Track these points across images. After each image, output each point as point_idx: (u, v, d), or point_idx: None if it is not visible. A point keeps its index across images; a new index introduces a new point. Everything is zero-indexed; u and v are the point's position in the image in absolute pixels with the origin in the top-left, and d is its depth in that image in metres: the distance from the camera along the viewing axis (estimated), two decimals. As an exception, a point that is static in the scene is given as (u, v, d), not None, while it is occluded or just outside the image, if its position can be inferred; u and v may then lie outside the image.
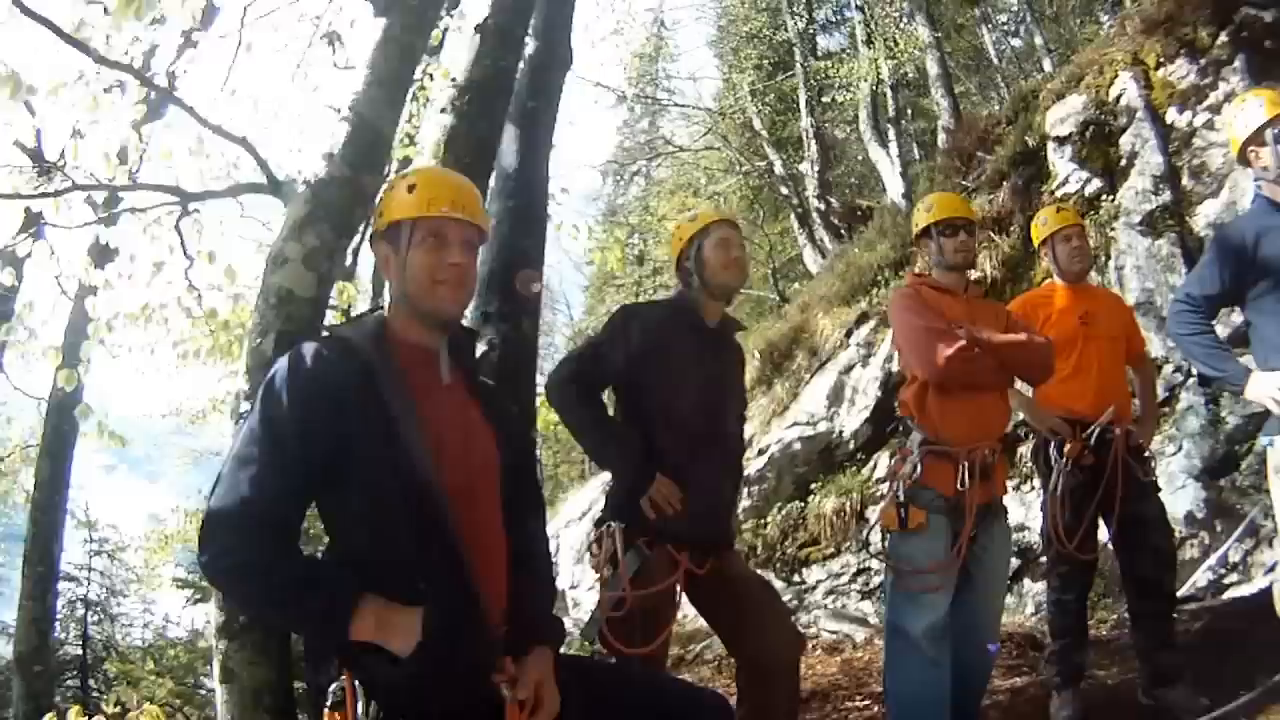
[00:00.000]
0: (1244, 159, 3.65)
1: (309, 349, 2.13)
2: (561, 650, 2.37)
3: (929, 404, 3.73)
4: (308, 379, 2.08)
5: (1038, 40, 19.96)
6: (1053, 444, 4.50)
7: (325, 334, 2.32)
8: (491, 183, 5.16)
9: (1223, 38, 8.33)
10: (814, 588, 9.06)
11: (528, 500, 2.53)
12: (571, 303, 41.29)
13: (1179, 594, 6.03)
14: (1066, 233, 4.73)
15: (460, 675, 2.05)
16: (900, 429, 4.38)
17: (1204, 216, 7.56)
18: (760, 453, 10.02)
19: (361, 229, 4.72)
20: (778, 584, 9.01)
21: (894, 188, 16.91)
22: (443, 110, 5.06)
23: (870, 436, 9.39)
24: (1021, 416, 5.08)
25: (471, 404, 2.38)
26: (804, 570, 9.28)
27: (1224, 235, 3.77)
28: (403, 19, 4.09)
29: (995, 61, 21.83)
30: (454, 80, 5.18)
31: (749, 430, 10.42)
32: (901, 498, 3.64)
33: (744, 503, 9.79)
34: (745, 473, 9.66)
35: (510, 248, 5.11)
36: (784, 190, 20.97)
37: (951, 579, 3.63)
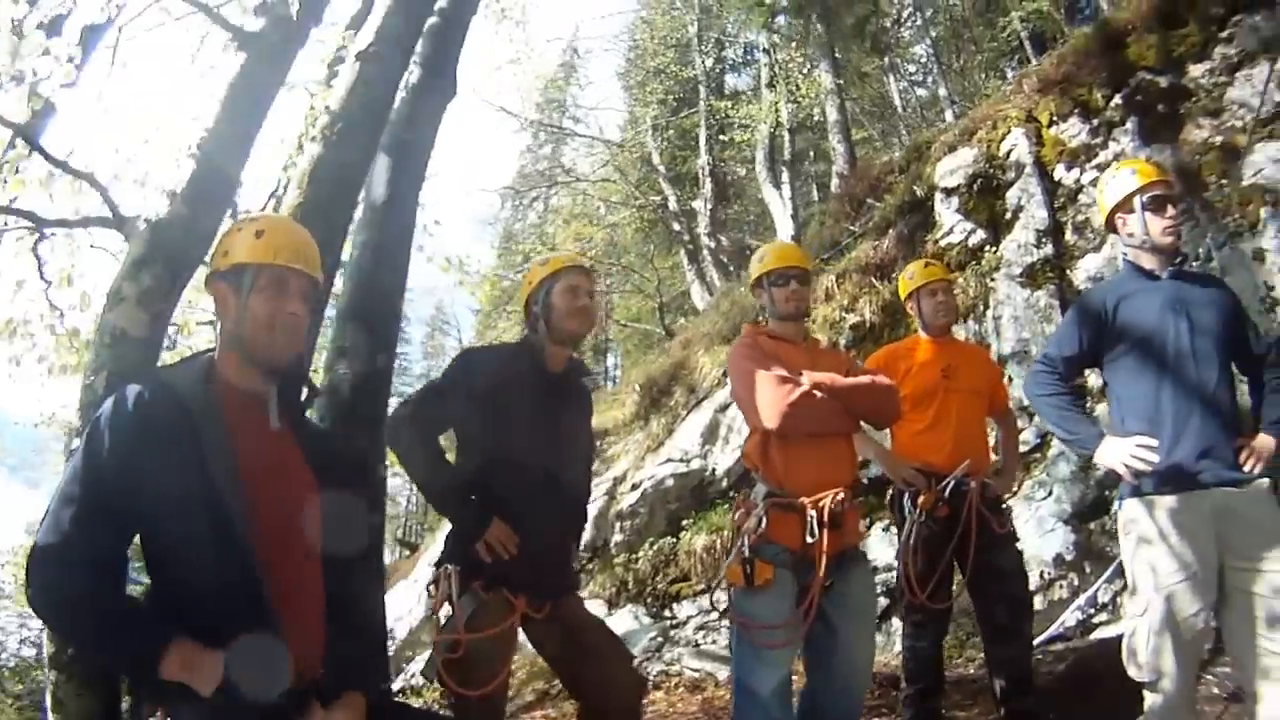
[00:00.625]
0: (1112, 225, 3.73)
1: (132, 391, 2.16)
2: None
3: (772, 454, 3.69)
4: (129, 422, 2.11)
5: (942, 92, 20.48)
6: (907, 495, 4.57)
7: (152, 376, 2.33)
8: (358, 214, 5.09)
9: (1117, 100, 8.66)
10: (684, 623, 9.05)
11: (352, 547, 2.53)
12: (462, 325, 41.18)
13: (1048, 634, 6.23)
14: (933, 287, 4.85)
15: (262, 718, 2.08)
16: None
17: (1084, 271, 7.82)
18: (634, 488, 10.04)
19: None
20: (646, 620, 9.05)
21: (784, 229, 17.09)
22: (313, 139, 4.98)
23: (743, 475, 9.39)
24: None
25: (295, 450, 2.41)
26: (674, 606, 9.26)
27: (1085, 299, 3.82)
28: (261, 57, 4.03)
29: (900, 110, 22.37)
30: (328, 107, 5.11)
31: (623, 465, 10.47)
32: (747, 553, 3.55)
33: (616, 537, 9.83)
34: (618, 507, 9.71)
35: (370, 282, 5.04)
36: (676, 226, 21.10)
37: (798, 635, 3.59)
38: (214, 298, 2.39)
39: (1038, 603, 6.62)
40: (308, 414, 2.66)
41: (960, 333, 8.33)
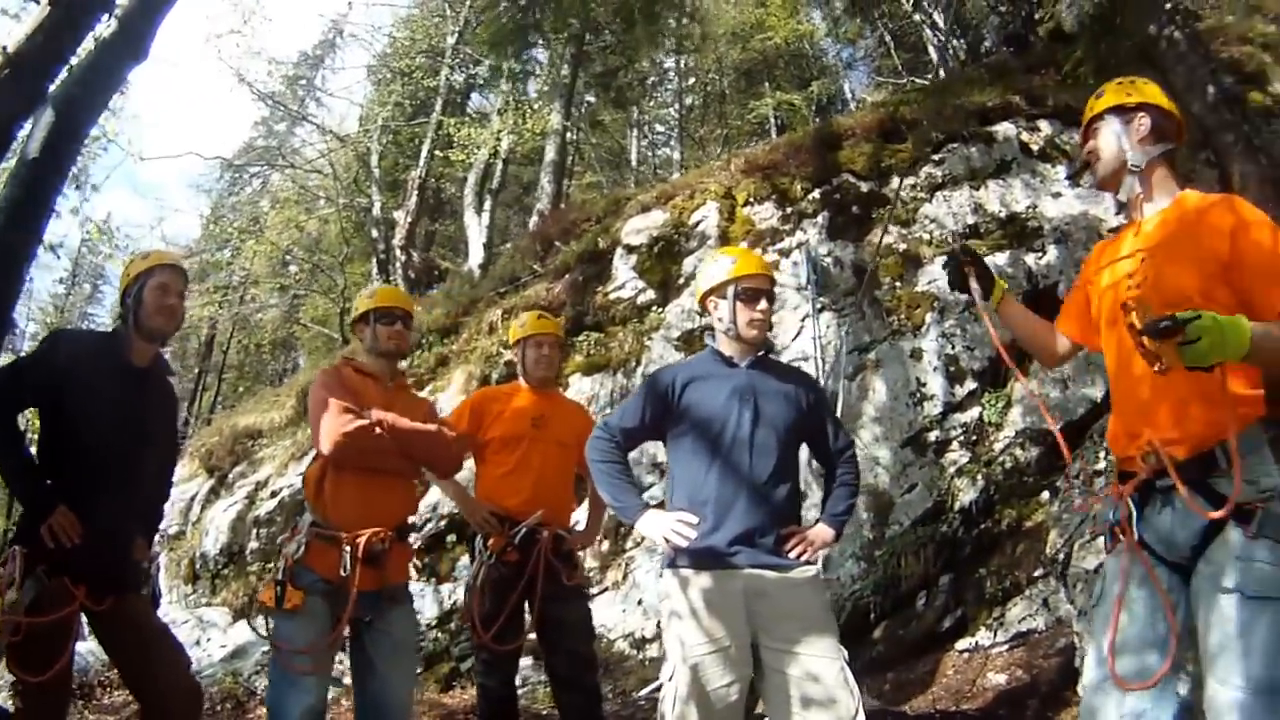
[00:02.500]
0: (702, 306, 3.78)
1: None
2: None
3: (325, 485, 3.80)
4: None
5: (676, 156, 21.31)
6: (479, 536, 4.66)
7: None
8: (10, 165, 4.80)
9: (815, 194, 9.33)
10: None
11: None
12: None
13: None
14: (540, 339, 4.93)
15: None
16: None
17: (741, 344, 8.31)
18: (273, 495, 9.73)
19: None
20: (264, 632, 8.78)
21: (475, 256, 17.02)
22: (-26, 83, 4.67)
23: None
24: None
25: None
26: (306, 620, 9.03)
27: (656, 376, 3.77)
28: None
29: (634, 164, 23.07)
30: (4, 50, 4.81)
31: (267, 469, 10.18)
32: (281, 576, 3.63)
33: (252, 544, 9.47)
34: (257, 513, 9.44)
35: (-2, 242, 4.71)
36: (375, 233, 20.57)
37: (329, 663, 3.68)
38: None
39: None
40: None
41: (608, 384, 8.73)
